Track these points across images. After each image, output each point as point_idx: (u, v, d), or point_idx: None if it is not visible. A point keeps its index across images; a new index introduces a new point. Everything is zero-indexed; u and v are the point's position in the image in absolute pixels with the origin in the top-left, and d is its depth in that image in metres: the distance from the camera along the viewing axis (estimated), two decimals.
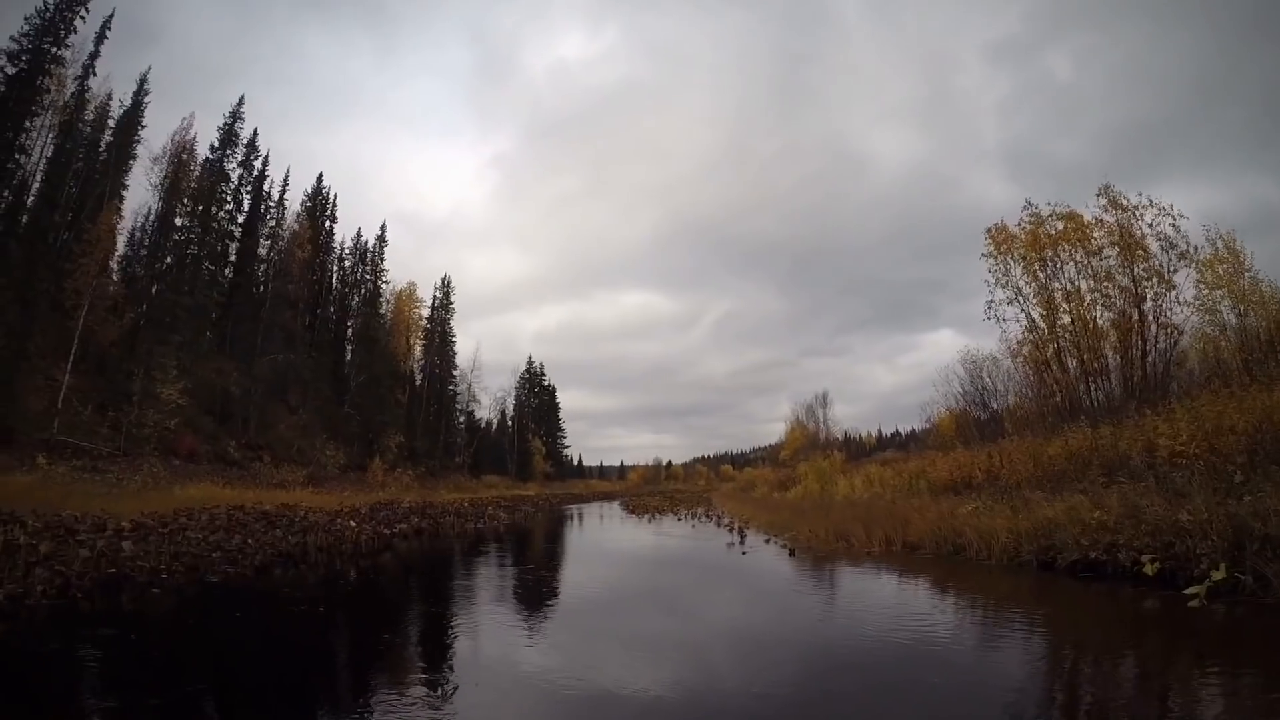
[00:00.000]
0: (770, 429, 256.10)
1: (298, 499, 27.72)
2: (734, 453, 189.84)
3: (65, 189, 39.72)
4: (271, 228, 57.66)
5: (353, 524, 21.92)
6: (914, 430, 72.67)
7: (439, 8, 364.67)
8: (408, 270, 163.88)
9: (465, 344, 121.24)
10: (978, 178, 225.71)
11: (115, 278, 43.74)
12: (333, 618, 10.68)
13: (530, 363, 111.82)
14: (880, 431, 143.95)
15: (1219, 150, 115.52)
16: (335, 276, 68.01)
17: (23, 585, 10.27)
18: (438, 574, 17.18)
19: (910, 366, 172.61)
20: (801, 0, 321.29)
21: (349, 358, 65.23)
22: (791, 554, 17.23)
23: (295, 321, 56.04)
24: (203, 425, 41.42)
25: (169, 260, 46.00)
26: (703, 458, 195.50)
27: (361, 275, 69.74)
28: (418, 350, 77.62)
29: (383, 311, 70.38)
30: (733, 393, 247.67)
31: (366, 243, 70.47)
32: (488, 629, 9.82)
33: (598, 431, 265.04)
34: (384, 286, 71.22)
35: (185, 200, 47.35)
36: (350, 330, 67.64)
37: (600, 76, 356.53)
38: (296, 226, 59.45)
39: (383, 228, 72.78)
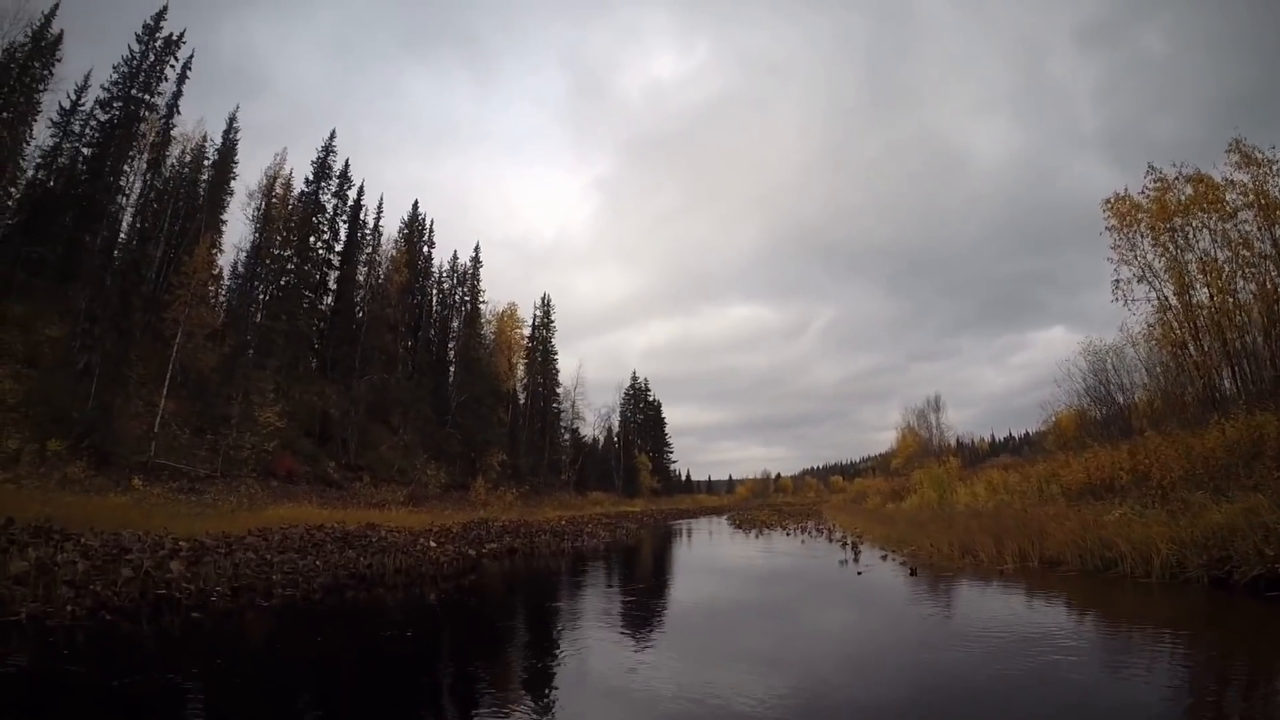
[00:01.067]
0: (880, 438, 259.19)
1: (389, 518, 27.52)
2: (843, 463, 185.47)
3: (163, 224, 40.82)
4: (368, 254, 58.18)
5: (433, 544, 20.97)
6: (1028, 433, 68.77)
7: (533, 37, 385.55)
8: (517, 294, 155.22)
9: (568, 362, 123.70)
10: (1078, 165, 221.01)
11: (217, 308, 44.57)
12: (381, 648, 9.53)
13: (635, 378, 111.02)
14: (993, 436, 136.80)
15: None
16: (435, 299, 68.31)
17: (49, 604, 9.81)
18: (519, 597, 16.08)
19: (1021, 366, 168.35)
20: None
21: (450, 379, 65.03)
22: (913, 573, 15.32)
23: (395, 345, 56.63)
24: (302, 447, 41.24)
25: (268, 289, 46.51)
26: (812, 469, 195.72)
27: (460, 297, 70.06)
28: (520, 369, 77.07)
29: (483, 332, 70.25)
30: (841, 401, 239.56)
31: (464, 265, 70.83)
32: (563, 664, 8.52)
33: (707, 446, 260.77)
34: (483, 307, 71.22)
35: (281, 231, 48.21)
36: (451, 352, 67.76)
37: (693, 92, 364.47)
38: (394, 252, 60.09)
39: (477, 248, 72.61)
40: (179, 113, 42.58)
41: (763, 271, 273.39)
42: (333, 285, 54.63)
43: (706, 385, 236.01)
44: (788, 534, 31.96)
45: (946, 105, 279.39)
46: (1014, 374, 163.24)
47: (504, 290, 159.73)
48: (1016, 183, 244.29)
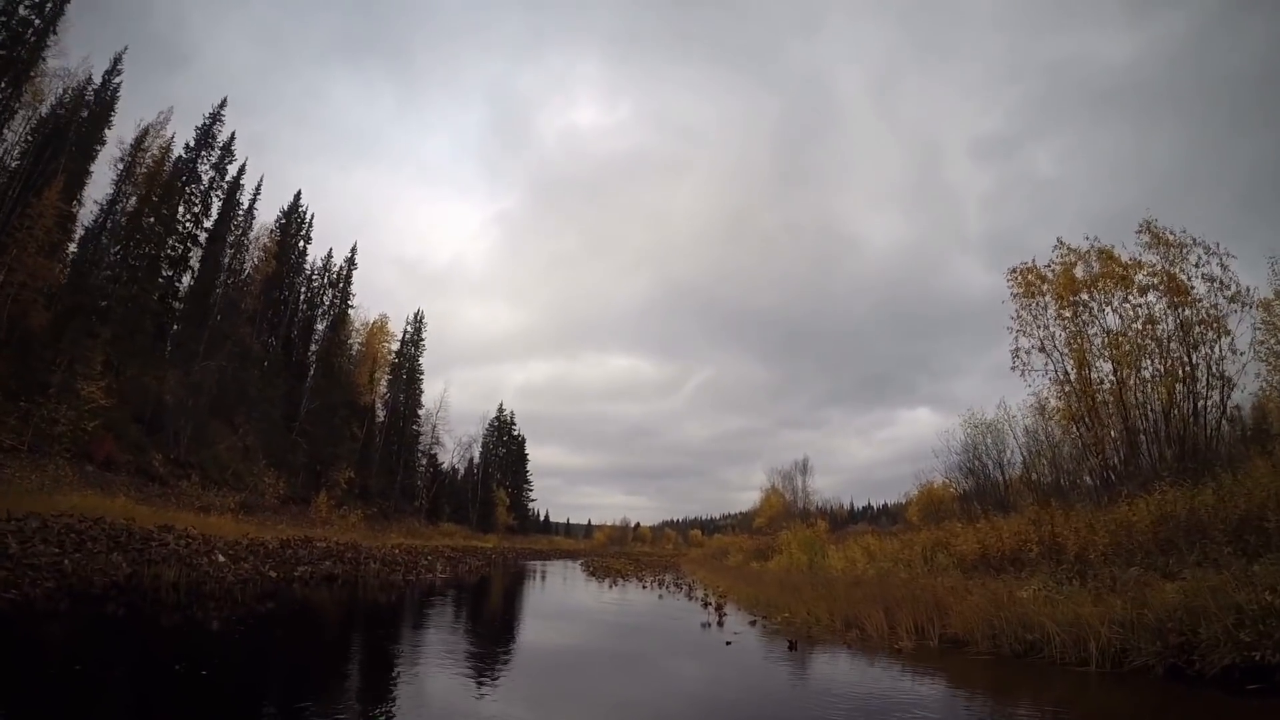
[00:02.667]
0: (742, 497, 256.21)
1: (204, 524, 24.22)
2: (704, 518, 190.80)
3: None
4: (237, 236, 53.98)
5: (221, 558, 17.83)
6: (886, 504, 69.93)
7: (463, 67, 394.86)
8: (399, 313, 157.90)
9: (434, 386, 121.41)
10: (960, 263, 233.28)
11: (62, 265, 40.02)
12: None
13: (501, 410, 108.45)
14: (853, 503, 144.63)
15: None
16: (303, 298, 63.99)
17: None
18: (318, 635, 13.19)
19: (885, 441, 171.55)
20: (807, 86, 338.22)
21: (307, 383, 60.67)
22: (792, 647, 12.80)
23: (251, 338, 52.11)
24: (128, 433, 37.31)
25: (117, 250, 42.80)
26: (672, 521, 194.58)
27: (330, 299, 66.24)
28: (383, 385, 73.67)
29: (349, 341, 66.72)
30: (708, 458, 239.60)
31: (337, 265, 67.02)
32: None
33: (571, 488, 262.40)
34: (352, 313, 67.76)
35: (143, 189, 45.13)
36: (312, 356, 63.31)
37: (608, 144, 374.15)
38: (266, 241, 56.35)
39: (353, 250, 69.24)
40: (55, 34, 37.74)
41: (647, 325, 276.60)
42: (194, 264, 50.19)
43: (577, 429, 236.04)
44: (644, 586, 29.97)
45: (845, 193, 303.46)
46: (878, 447, 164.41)
47: (387, 307, 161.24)
48: (901, 271, 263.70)
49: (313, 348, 64.02)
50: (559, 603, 23.46)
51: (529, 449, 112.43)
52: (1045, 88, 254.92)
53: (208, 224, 50.93)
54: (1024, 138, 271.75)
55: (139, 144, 45.87)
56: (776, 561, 34.18)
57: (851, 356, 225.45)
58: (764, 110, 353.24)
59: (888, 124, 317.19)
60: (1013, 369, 25.75)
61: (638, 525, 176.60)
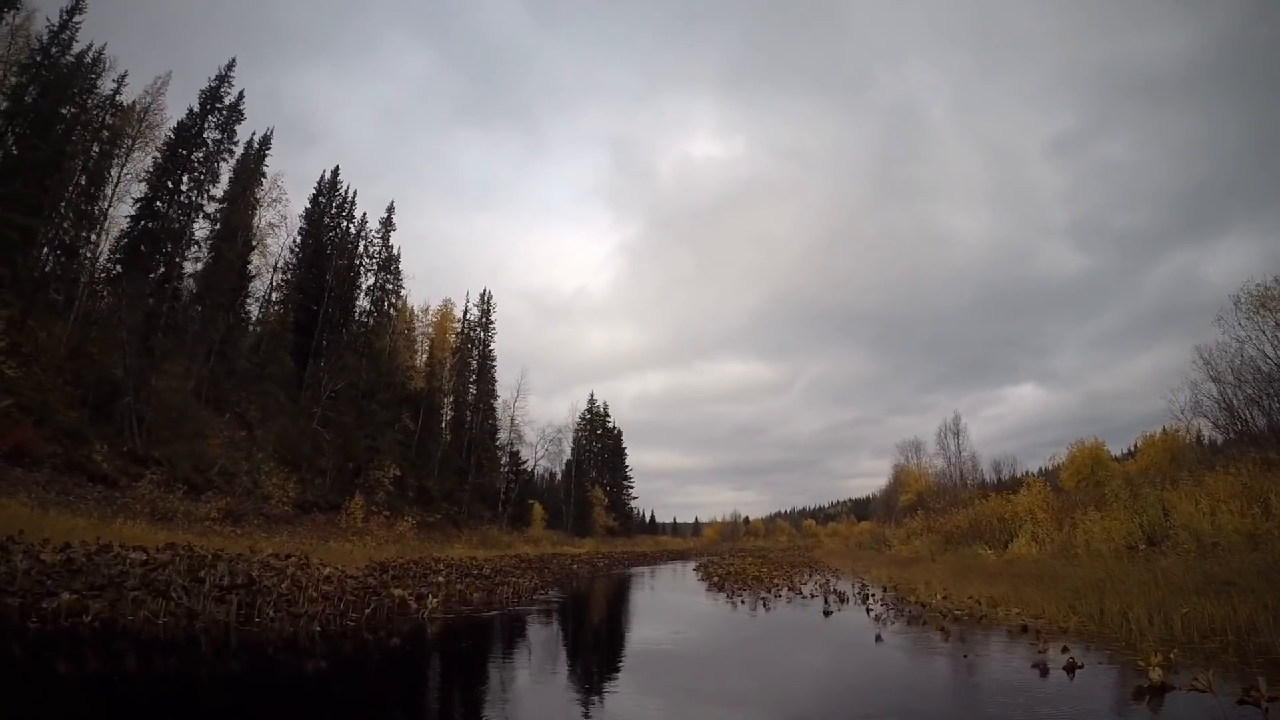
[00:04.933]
0: (849, 484, 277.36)
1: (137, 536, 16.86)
2: (812, 508, 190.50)
3: None
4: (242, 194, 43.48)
5: None
6: (1016, 473, 58.98)
7: (583, 120, 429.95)
8: (530, 345, 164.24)
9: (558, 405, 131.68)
10: (1048, 248, 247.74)
11: None
12: None
13: (592, 401, 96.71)
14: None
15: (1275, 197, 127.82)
16: (333, 274, 52.11)
17: None
18: None
19: (991, 419, 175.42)
20: (895, 108, 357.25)
21: (331, 362, 47.56)
22: None
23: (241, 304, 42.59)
24: (59, 417, 27.35)
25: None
26: (782, 513, 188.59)
27: (377, 279, 54.73)
28: (447, 373, 63.92)
29: (396, 324, 56.03)
30: (815, 450, 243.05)
31: (369, 225, 55.55)
32: None
33: (679, 489, 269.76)
34: (401, 287, 56.69)
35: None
36: (345, 338, 51.42)
37: (722, 173, 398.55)
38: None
39: (390, 209, 56.72)
40: None
41: (757, 332, 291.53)
42: (199, 237, 40.53)
43: (689, 432, 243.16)
44: (794, 596, 19.94)
45: (936, 201, 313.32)
46: (985, 425, 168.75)
47: (511, 335, 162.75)
48: (993, 262, 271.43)
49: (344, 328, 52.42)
50: (640, 654, 12.00)
51: (637, 450, 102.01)
52: (1105, 84, 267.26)
53: (216, 191, 41.60)
54: (1094, 132, 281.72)
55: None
56: (1020, 547, 22.95)
57: (950, 343, 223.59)
58: (859, 133, 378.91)
59: (970, 136, 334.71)
60: None
61: (748, 519, 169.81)
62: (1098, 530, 19.65)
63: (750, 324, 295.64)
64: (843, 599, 18.52)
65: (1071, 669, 8.05)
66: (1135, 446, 45.33)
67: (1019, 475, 48.70)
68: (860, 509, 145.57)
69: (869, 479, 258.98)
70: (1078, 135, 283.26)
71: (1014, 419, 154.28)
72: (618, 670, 10.54)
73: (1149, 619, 9.37)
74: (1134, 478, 25.79)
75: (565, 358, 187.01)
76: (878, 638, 11.88)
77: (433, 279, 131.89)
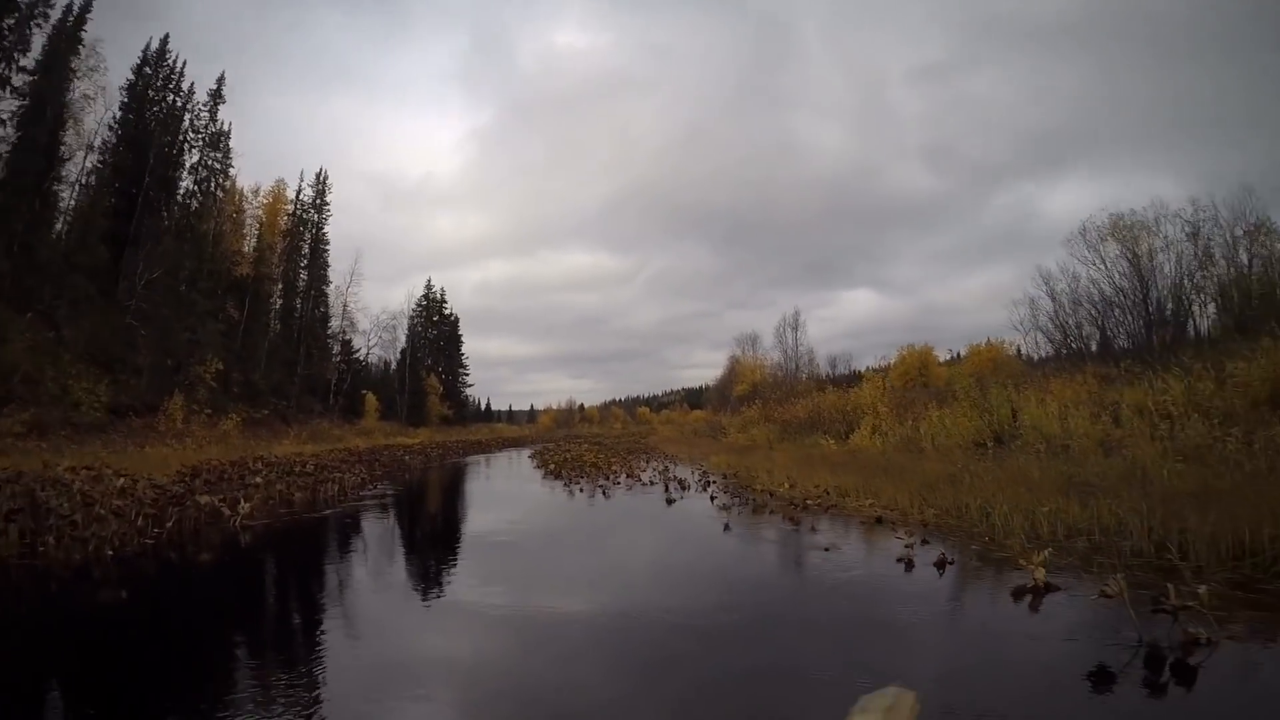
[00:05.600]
0: (684, 374, 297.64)
1: None
2: (646, 396, 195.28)
3: None
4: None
5: None
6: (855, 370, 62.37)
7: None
8: (370, 229, 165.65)
9: (394, 294, 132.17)
10: (899, 168, 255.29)
11: None
12: None
13: (429, 287, 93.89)
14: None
15: (1118, 151, 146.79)
16: (156, 153, 46.88)
17: None
18: None
19: (827, 319, 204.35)
20: (772, 20, 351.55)
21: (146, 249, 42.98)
22: None
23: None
24: None
25: None
26: (617, 401, 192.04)
27: (203, 156, 49.70)
28: (276, 259, 60.17)
29: (215, 192, 51.07)
30: (654, 340, 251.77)
31: (196, 98, 49.88)
32: None
33: (519, 377, 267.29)
34: (230, 166, 51.92)
35: None
36: (167, 223, 47.03)
37: (585, 65, 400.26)
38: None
39: (220, 80, 51.40)
40: None
41: (606, 224, 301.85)
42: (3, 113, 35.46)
43: (530, 321, 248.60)
44: (634, 484, 19.81)
45: (798, 111, 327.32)
46: (821, 325, 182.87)
47: (355, 221, 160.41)
48: (845, 175, 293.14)
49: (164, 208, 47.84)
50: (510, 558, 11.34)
51: (478, 338, 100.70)
52: (979, 24, 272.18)
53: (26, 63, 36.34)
54: (961, 67, 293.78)
55: None
56: (863, 438, 23.18)
57: (794, 246, 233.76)
58: (729, 37, 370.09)
59: (838, 55, 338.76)
60: None
61: (583, 406, 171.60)
62: (950, 425, 20.08)
63: (600, 216, 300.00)
64: (684, 486, 18.39)
65: (942, 565, 7.86)
66: (959, 354, 49.00)
67: (855, 372, 50.93)
68: (694, 398, 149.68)
69: (704, 370, 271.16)
70: (943, 68, 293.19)
71: (849, 321, 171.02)
72: (454, 564, 10.05)
73: (1013, 517, 9.29)
74: (984, 378, 26.92)
75: (409, 245, 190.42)
76: (726, 526, 11.73)
77: (280, 163, 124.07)
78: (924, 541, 9.06)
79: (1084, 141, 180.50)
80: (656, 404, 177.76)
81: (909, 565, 7.98)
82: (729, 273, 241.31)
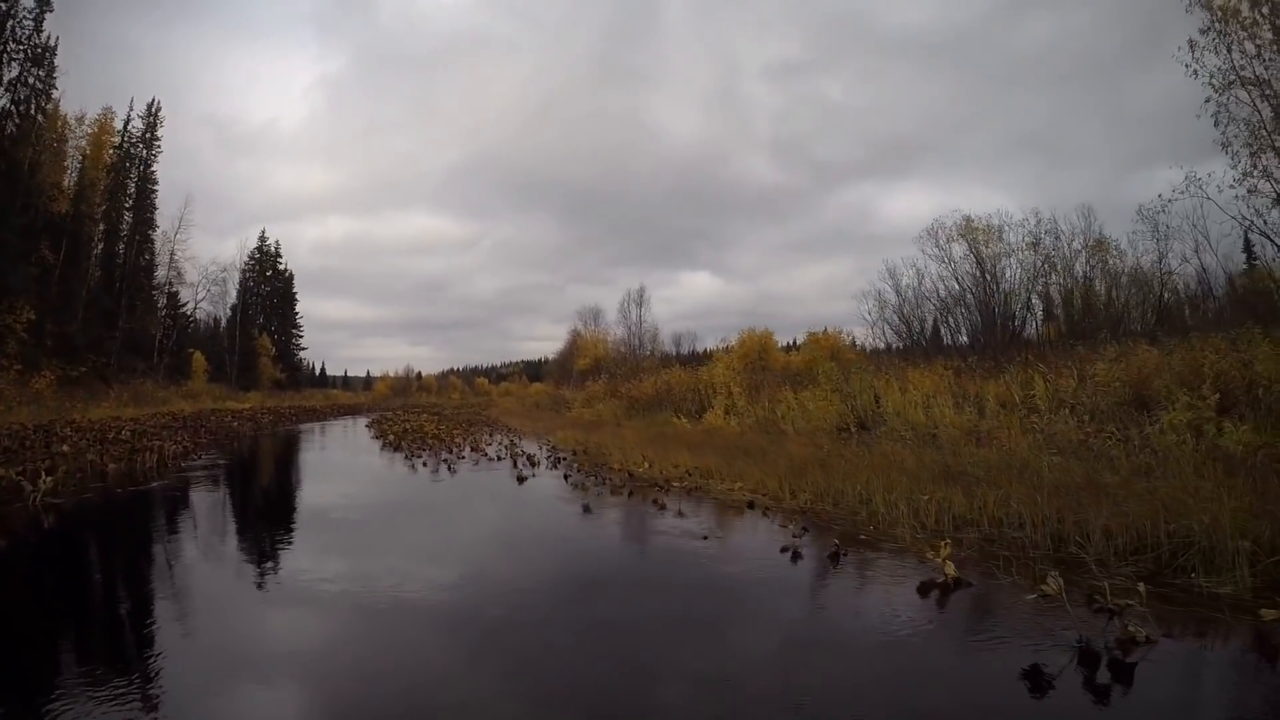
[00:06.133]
0: (524, 346, 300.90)
1: None
2: (485, 366, 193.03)
3: None
4: None
5: None
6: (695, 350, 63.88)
7: None
8: (214, 174, 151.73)
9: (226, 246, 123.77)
10: (747, 160, 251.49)
11: None
12: None
13: (263, 239, 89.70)
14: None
15: (960, 163, 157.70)
16: None
17: None
18: None
19: (669, 299, 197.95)
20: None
21: None
22: None
23: None
24: None
25: None
26: (455, 370, 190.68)
27: (22, 74, 45.25)
28: (99, 199, 55.57)
29: (36, 116, 46.51)
30: (495, 310, 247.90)
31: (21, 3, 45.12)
32: None
33: (356, 341, 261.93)
34: (54, 88, 47.96)
35: None
36: None
37: (445, 22, 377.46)
38: None
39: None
40: None
41: (453, 189, 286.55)
42: None
43: (370, 284, 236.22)
44: (479, 458, 19.11)
45: (655, 92, 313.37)
46: (662, 304, 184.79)
47: (191, 168, 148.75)
48: (695, 159, 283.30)
49: None
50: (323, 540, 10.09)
51: (314, 299, 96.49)
52: (842, 28, 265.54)
53: None
54: (819, 67, 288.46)
55: None
56: (716, 418, 23.01)
57: (640, 225, 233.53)
58: (593, 11, 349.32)
59: (700, 41, 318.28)
60: None
61: (420, 375, 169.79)
62: (811, 408, 19.96)
63: (447, 179, 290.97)
64: (534, 462, 17.74)
65: (836, 557, 7.36)
66: (794, 342, 50.36)
67: (699, 351, 51.26)
68: (533, 370, 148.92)
69: (544, 343, 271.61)
70: (801, 66, 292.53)
71: (690, 302, 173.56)
72: (289, 542, 9.45)
73: (895, 505, 9.04)
74: (849, 363, 27.42)
75: (245, 195, 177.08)
76: (585, 508, 11.17)
77: (110, 94, 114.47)
78: (804, 529, 8.55)
79: (927, 151, 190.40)
80: (495, 375, 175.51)
81: (796, 556, 7.53)
82: (573, 247, 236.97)
